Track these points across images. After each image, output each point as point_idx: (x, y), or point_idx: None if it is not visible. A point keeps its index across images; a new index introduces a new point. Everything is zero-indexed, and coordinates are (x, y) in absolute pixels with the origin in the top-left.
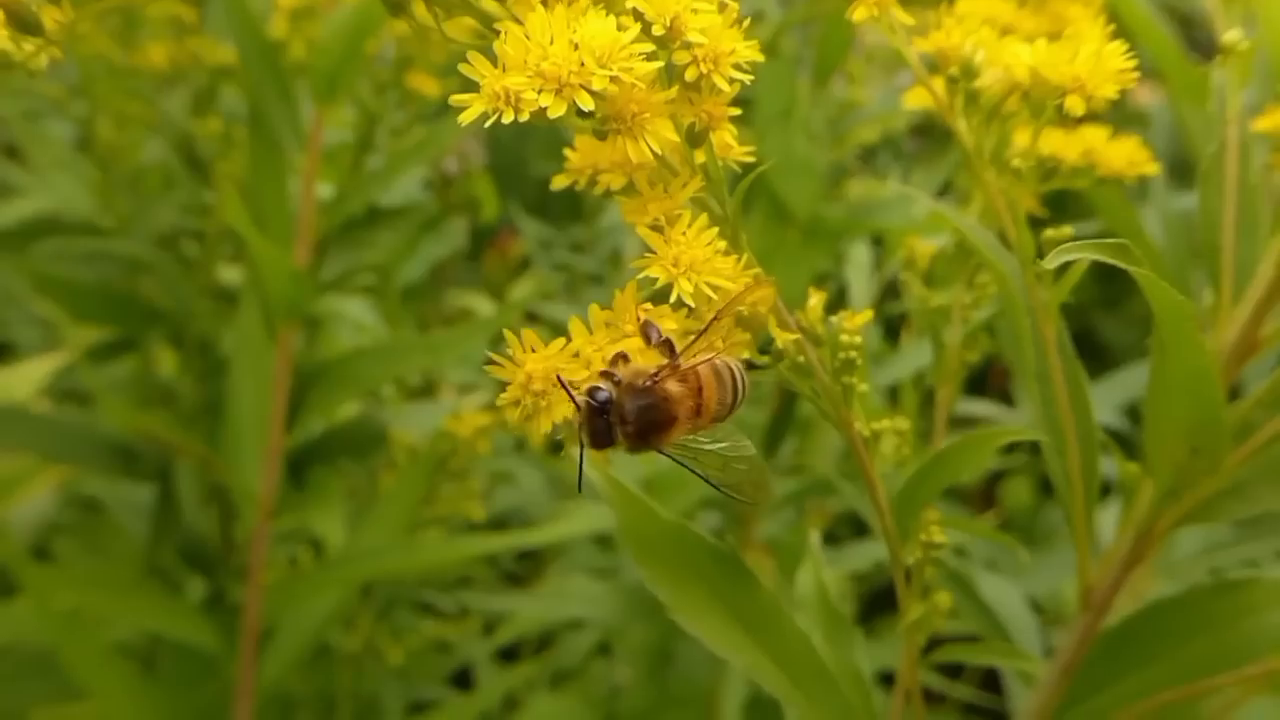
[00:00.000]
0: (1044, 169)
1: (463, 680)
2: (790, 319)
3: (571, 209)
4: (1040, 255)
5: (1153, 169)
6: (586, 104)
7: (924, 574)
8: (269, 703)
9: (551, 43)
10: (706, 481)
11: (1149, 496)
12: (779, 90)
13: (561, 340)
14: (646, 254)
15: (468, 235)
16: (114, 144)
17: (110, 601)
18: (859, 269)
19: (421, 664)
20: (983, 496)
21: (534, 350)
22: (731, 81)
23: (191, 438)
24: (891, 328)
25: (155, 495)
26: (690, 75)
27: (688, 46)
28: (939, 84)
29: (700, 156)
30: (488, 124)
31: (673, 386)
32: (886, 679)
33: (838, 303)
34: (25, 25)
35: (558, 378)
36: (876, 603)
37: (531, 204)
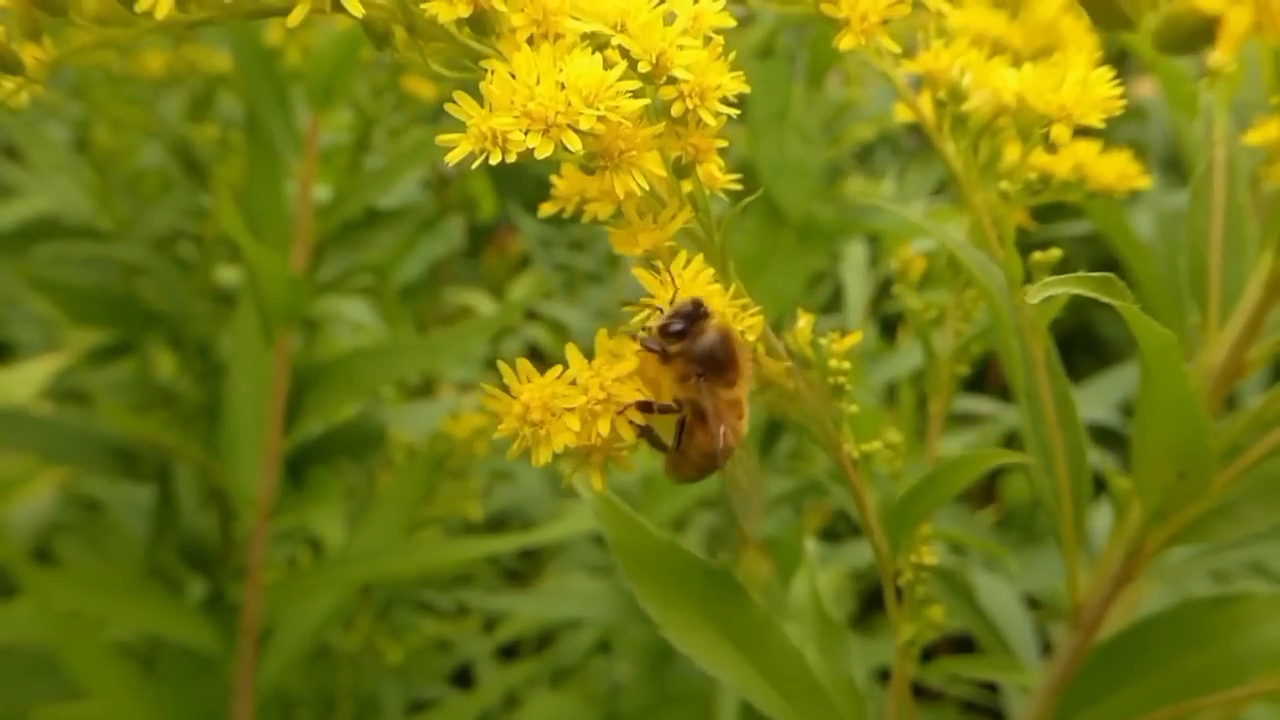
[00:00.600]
0: (1034, 184)
1: (463, 679)
2: (779, 344)
3: None
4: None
5: (1144, 183)
6: (574, 144)
7: (915, 594)
8: (269, 702)
9: (538, 82)
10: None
11: (1138, 516)
12: (773, 92)
13: (558, 368)
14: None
15: (466, 233)
16: (111, 148)
17: (110, 603)
18: (855, 268)
19: (421, 663)
20: (982, 492)
21: (529, 380)
22: (717, 115)
23: (190, 440)
24: (888, 325)
25: (155, 496)
26: (677, 110)
27: (674, 82)
28: (926, 100)
29: (688, 186)
30: (475, 165)
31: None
32: (885, 675)
33: (834, 301)
34: (4, 65)
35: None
36: (875, 599)
37: (530, 202)
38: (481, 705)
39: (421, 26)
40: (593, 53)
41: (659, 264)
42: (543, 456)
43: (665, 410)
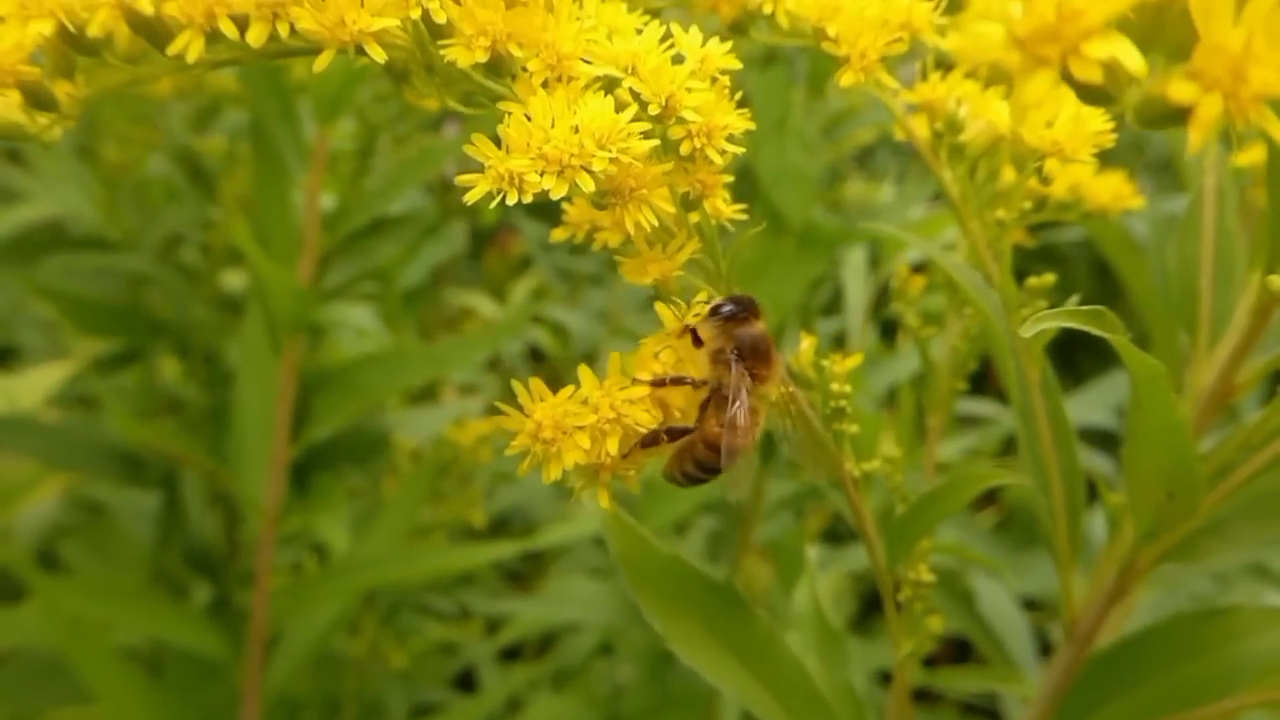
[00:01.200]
0: (1030, 207)
1: (465, 681)
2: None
3: None
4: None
5: (1137, 203)
6: (588, 185)
7: (915, 609)
8: (275, 706)
9: (553, 125)
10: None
11: (1131, 534)
12: (774, 99)
13: (570, 388)
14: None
15: (468, 236)
16: (118, 160)
17: (116, 609)
18: (855, 273)
19: (425, 667)
20: (983, 494)
21: (542, 399)
22: (723, 153)
23: (196, 448)
24: (888, 328)
25: (160, 501)
26: (685, 149)
27: (682, 122)
28: (921, 123)
29: (695, 217)
30: (493, 204)
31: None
32: (886, 678)
33: (834, 303)
34: (39, 101)
35: None
36: (876, 601)
37: (531, 204)
38: (485, 709)
39: (440, 67)
40: (605, 95)
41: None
42: (553, 473)
43: (690, 384)
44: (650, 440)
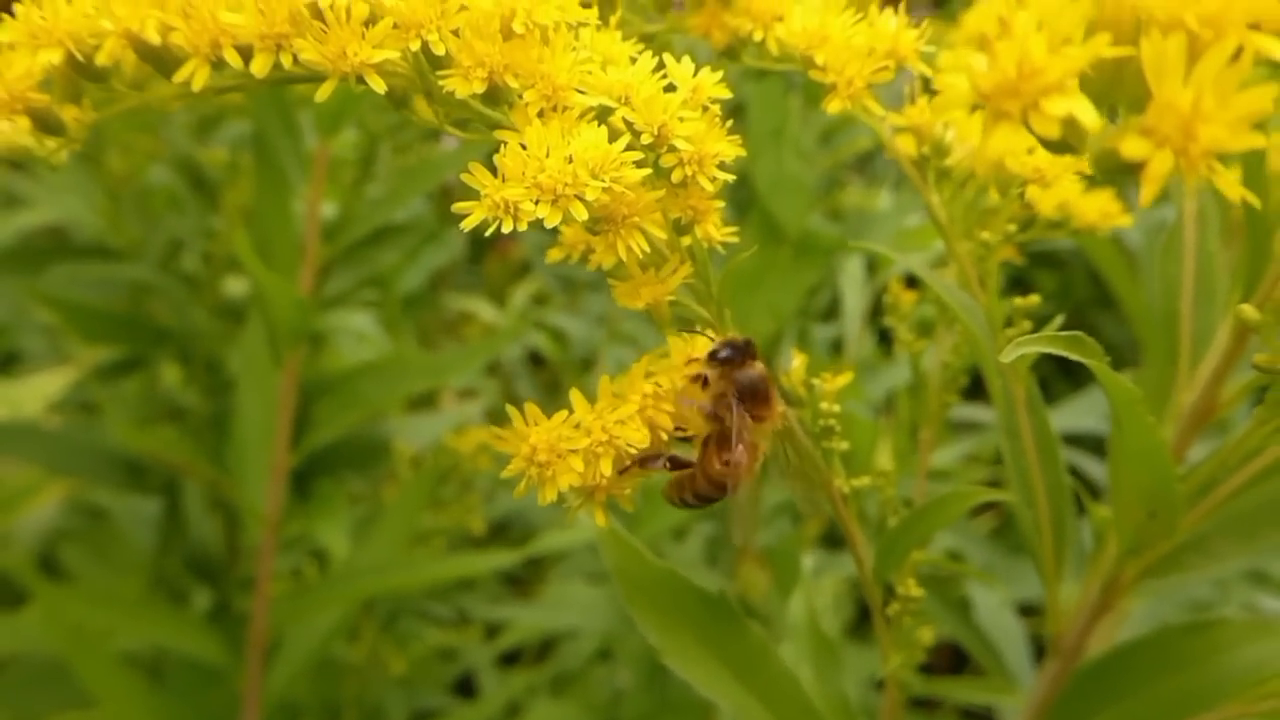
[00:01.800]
0: (1018, 226)
1: (465, 686)
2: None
3: None
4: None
5: (1125, 221)
6: (581, 214)
7: (903, 624)
8: (275, 712)
9: (548, 155)
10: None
11: (1114, 551)
12: (770, 108)
13: (564, 412)
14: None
15: (468, 240)
16: (121, 168)
17: (117, 616)
18: (851, 281)
19: (424, 672)
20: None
21: (537, 422)
22: (714, 180)
23: (197, 457)
24: (885, 334)
25: (161, 508)
26: (677, 177)
27: (674, 150)
28: (910, 143)
29: (687, 241)
30: (489, 232)
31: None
32: (883, 683)
33: (832, 308)
34: (48, 126)
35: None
36: None
37: None
38: (484, 714)
39: (439, 94)
40: (599, 124)
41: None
42: (548, 495)
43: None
44: (651, 462)
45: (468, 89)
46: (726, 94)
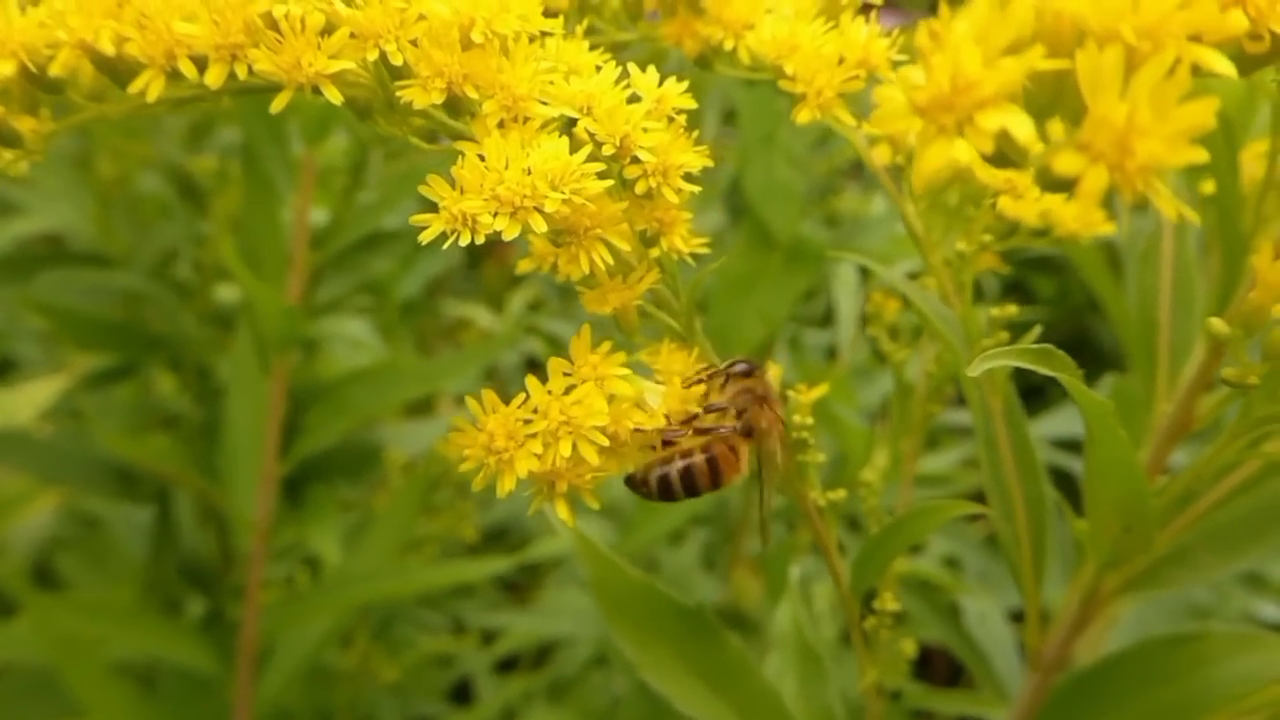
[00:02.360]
0: (999, 233)
1: (461, 692)
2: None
3: None
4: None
5: (1108, 229)
6: (540, 226)
7: (880, 638)
8: None
9: (506, 167)
10: None
11: (1092, 565)
12: (761, 114)
13: (520, 396)
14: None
15: (465, 245)
16: (112, 177)
17: (109, 627)
18: (845, 287)
19: (419, 679)
20: (974, 498)
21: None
22: (680, 191)
23: (187, 464)
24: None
25: (154, 515)
26: (640, 188)
27: (638, 162)
28: (885, 149)
29: (655, 252)
30: (446, 245)
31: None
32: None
33: (825, 318)
34: (3, 138)
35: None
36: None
37: None
38: None
39: (400, 105)
40: (560, 134)
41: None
42: (506, 484)
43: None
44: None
45: (426, 99)
46: (692, 104)
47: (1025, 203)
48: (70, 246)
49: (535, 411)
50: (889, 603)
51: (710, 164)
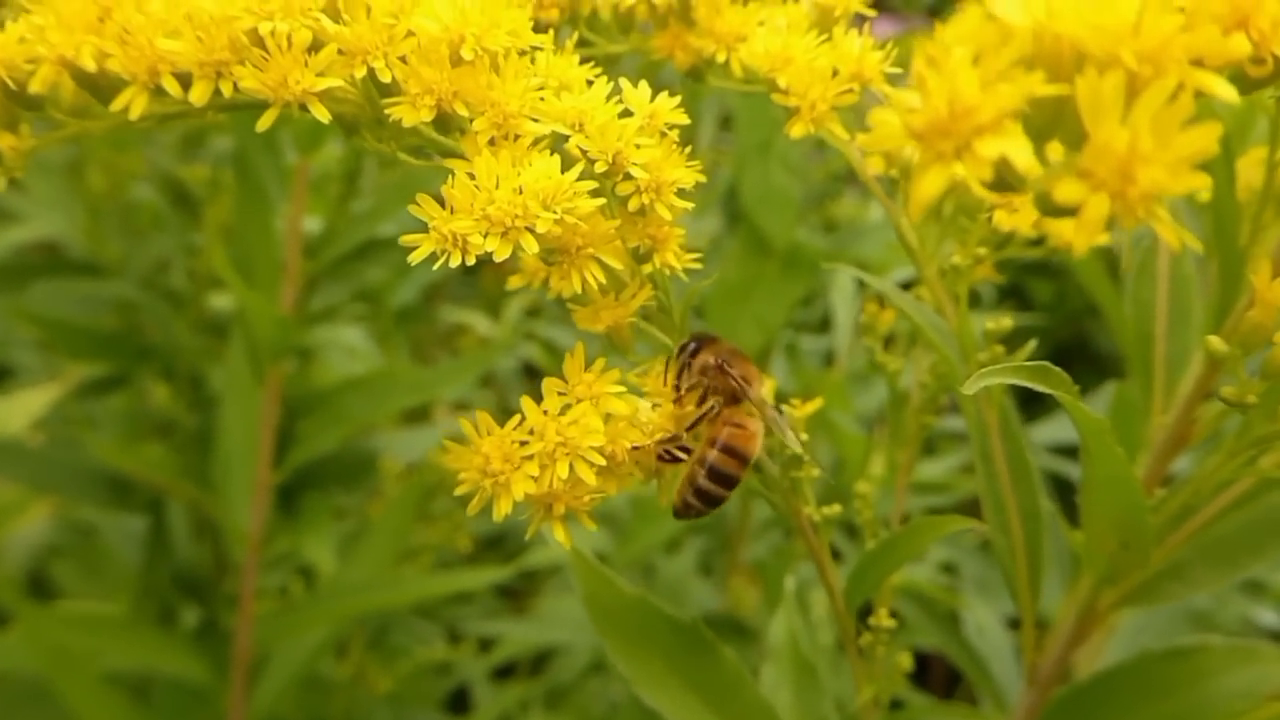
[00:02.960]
0: (995, 243)
1: (459, 699)
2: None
3: None
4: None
5: (1103, 238)
6: (531, 246)
7: (876, 654)
8: None
9: (497, 186)
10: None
11: (1088, 580)
12: (758, 121)
13: (516, 418)
14: None
15: None
16: (103, 186)
17: (102, 639)
18: (843, 294)
19: (414, 688)
20: (975, 507)
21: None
22: (673, 208)
23: (181, 475)
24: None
25: (148, 524)
26: (633, 205)
27: (630, 178)
28: (877, 160)
29: (648, 268)
30: (436, 266)
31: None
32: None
33: (825, 323)
34: None
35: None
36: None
37: None
38: None
39: (389, 122)
40: (551, 152)
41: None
42: (503, 507)
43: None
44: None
45: (415, 117)
46: (685, 119)
47: (1020, 213)
48: (65, 255)
49: (531, 433)
50: (885, 619)
51: (703, 179)
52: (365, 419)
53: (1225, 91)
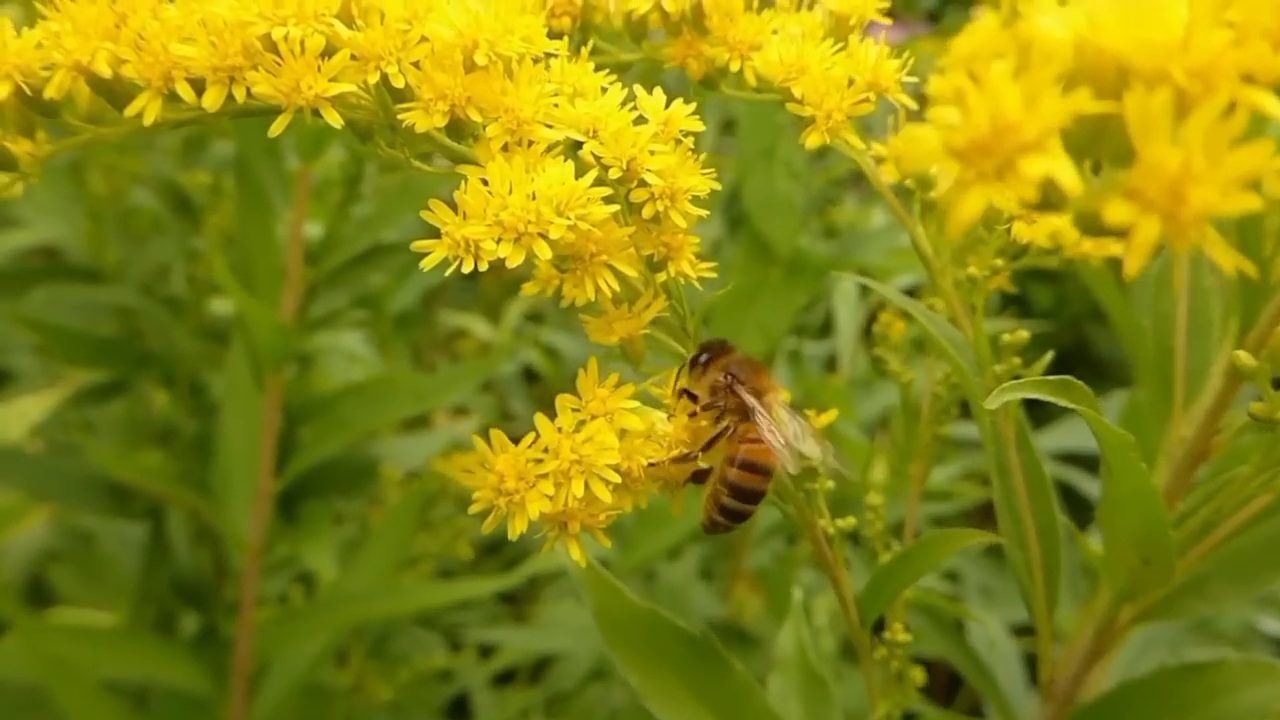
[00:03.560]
0: (1010, 253)
1: (459, 706)
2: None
3: None
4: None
5: (1118, 249)
6: (544, 253)
7: (891, 669)
8: None
9: (510, 192)
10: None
11: (1107, 595)
12: (761, 126)
13: (530, 435)
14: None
15: None
16: (103, 191)
17: (100, 650)
18: (845, 300)
19: (415, 695)
20: (980, 512)
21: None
22: (687, 215)
23: (179, 484)
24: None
25: (147, 531)
26: (648, 212)
27: (645, 185)
28: (890, 169)
29: (661, 277)
30: (448, 272)
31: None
32: None
33: (825, 326)
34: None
35: None
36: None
37: None
38: None
39: (403, 127)
40: (565, 158)
41: None
42: (518, 526)
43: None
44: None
45: (428, 123)
46: (700, 126)
47: (1039, 224)
48: (65, 260)
49: (546, 450)
50: (899, 633)
51: (718, 186)
52: (366, 427)
53: (1276, 109)
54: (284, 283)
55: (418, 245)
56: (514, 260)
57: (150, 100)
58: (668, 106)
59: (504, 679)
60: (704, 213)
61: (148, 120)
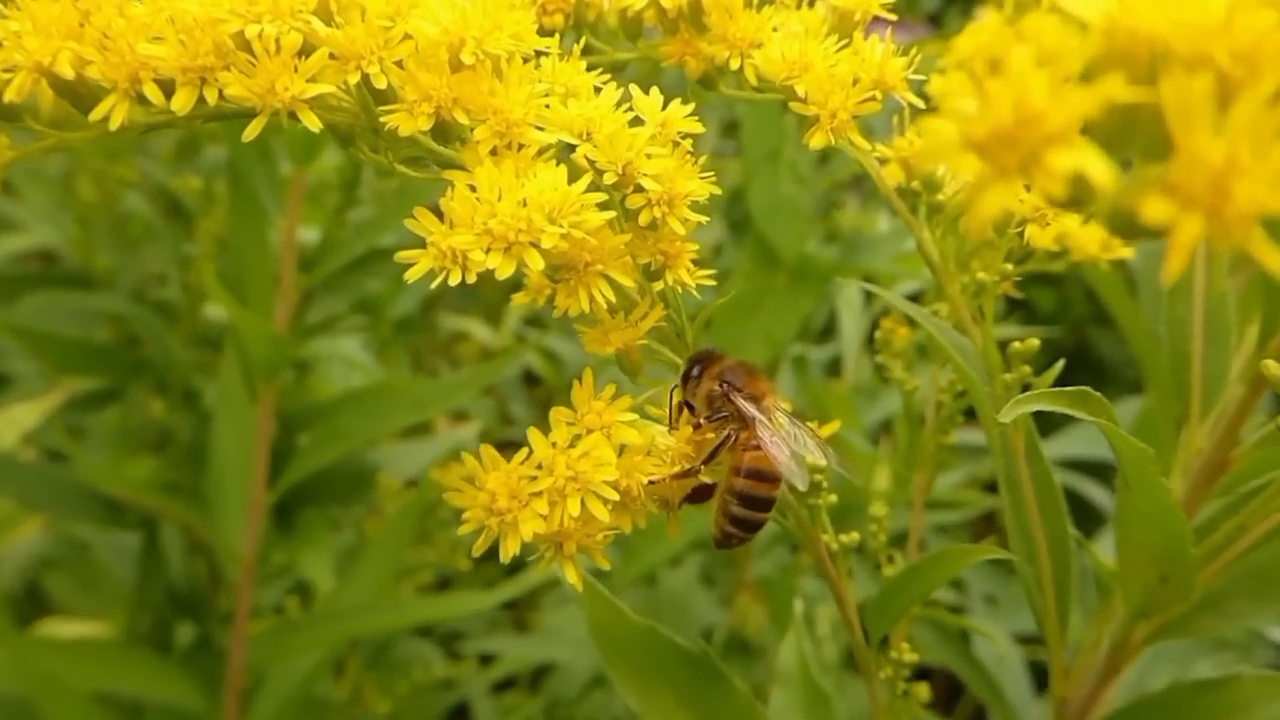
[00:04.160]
0: (1016, 257)
1: (459, 713)
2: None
3: None
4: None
5: (1127, 253)
6: (536, 263)
7: (897, 689)
8: None
9: (500, 198)
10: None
11: (1122, 612)
12: (766, 129)
13: (524, 451)
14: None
15: None
16: (94, 198)
17: (90, 666)
18: (849, 306)
19: (415, 705)
20: (983, 520)
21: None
22: (686, 221)
23: (171, 497)
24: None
25: (141, 540)
26: (644, 219)
27: (641, 190)
28: (895, 171)
29: (659, 286)
30: (434, 284)
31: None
32: None
33: (828, 330)
34: None
35: None
36: None
37: None
38: None
39: (386, 131)
40: (558, 162)
41: None
42: (511, 548)
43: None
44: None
45: (412, 125)
46: (699, 128)
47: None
48: (58, 266)
49: (540, 467)
50: (905, 653)
51: (719, 191)
52: (364, 436)
53: None
54: (277, 289)
55: (402, 256)
56: (504, 271)
57: (117, 103)
58: (665, 107)
59: (503, 685)
60: (704, 219)
61: (114, 124)
